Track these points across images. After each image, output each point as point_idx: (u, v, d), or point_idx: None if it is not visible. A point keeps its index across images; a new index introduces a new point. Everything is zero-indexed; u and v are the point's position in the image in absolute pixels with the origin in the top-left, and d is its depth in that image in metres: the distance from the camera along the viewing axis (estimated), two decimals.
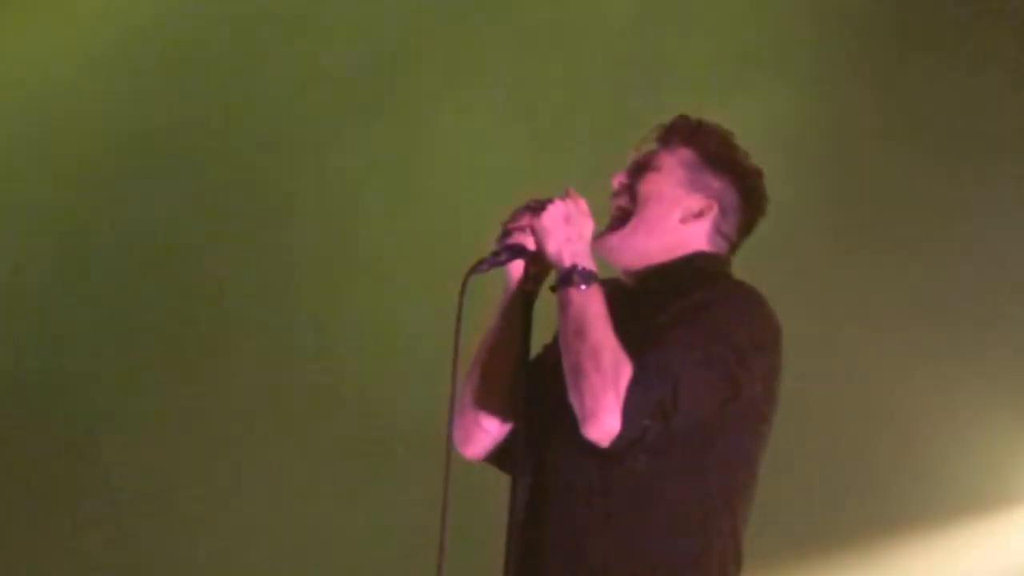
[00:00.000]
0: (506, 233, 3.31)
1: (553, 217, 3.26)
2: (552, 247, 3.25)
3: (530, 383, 3.29)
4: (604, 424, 3.12)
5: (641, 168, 3.44)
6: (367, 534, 5.97)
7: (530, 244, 3.28)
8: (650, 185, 3.42)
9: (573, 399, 3.15)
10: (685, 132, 3.45)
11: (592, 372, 3.12)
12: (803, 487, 5.52)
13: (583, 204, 3.32)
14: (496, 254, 3.29)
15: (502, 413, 3.35)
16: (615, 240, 3.41)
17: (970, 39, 5.70)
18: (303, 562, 6.00)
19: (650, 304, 3.29)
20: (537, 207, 3.29)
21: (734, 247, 3.47)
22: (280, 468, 6.00)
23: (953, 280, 5.63)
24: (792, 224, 5.33)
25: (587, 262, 3.24)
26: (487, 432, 3.37)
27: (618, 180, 3.45)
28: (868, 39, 5.78)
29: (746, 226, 3.47)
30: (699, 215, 3.40)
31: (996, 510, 5.63)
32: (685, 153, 3.44)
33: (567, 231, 3.25)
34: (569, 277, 3.21)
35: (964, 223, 5.64)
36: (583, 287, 3.20)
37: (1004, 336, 5.62)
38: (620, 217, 3.42)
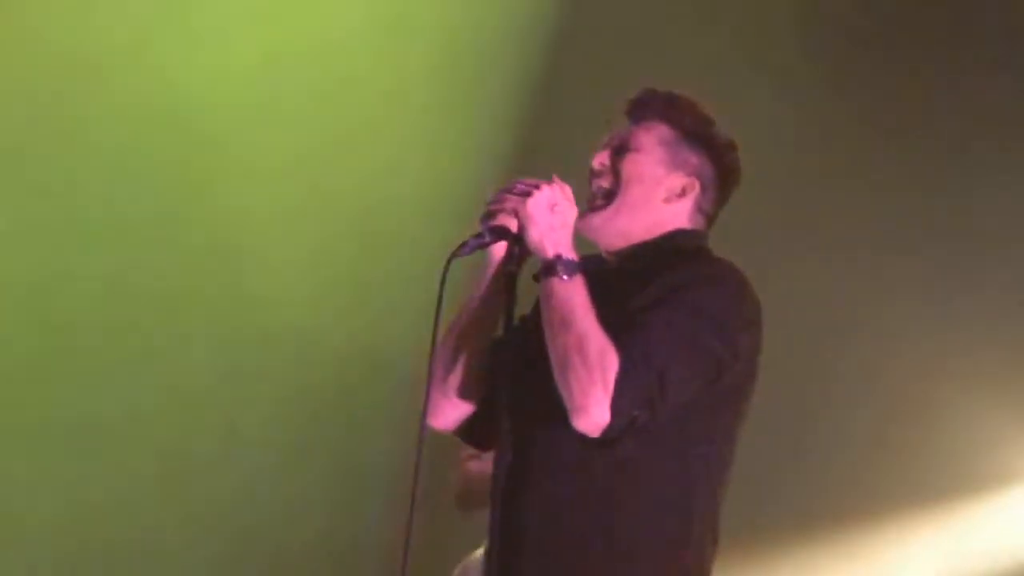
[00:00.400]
0: (489, 214, 3.31)
1: (538, 205, 3.26)
2: (535, 235, 3.25)
3: (508, 356, 3.29)
4: (593, 417, 3.13)
5: (621, 149, 3.43)
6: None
7: (513, 226, 3.29)
8: (632, 166, 3.41)
9: (561, 390, 3.16)
10: (657, 107, 3.45)
11: (579, 365, 3.13)
12: (805, 468, 5.53)
13: (568, 191, 3.33)
14: (479, 236, 3.29)
15: (472, 388, 3.37)
16: (598, 221, 3.40)
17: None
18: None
19: (631, 284, 3.30)
20: (522, 191, 3.29)
21: (711, 221, 3.47)
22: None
23: (955, 272, 5.63)
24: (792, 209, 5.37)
25: (570, 251, 3.24)
26: (455, 405, 3.38)
27: (599, 161, 3.44)
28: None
29: (722, 199, 3.47)
30: (682, 194, 3.41)
31: (995, 490, 5.64)
32: (662, 130, 3.43)
33: (550, 220, 3.26)
34: (552, 267, 3.22)
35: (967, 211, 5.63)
36: (566, 277, 3.21)
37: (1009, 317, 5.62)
38: (603, 196, 3.42)
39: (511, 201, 3.29)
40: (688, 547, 3.25)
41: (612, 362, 3.12)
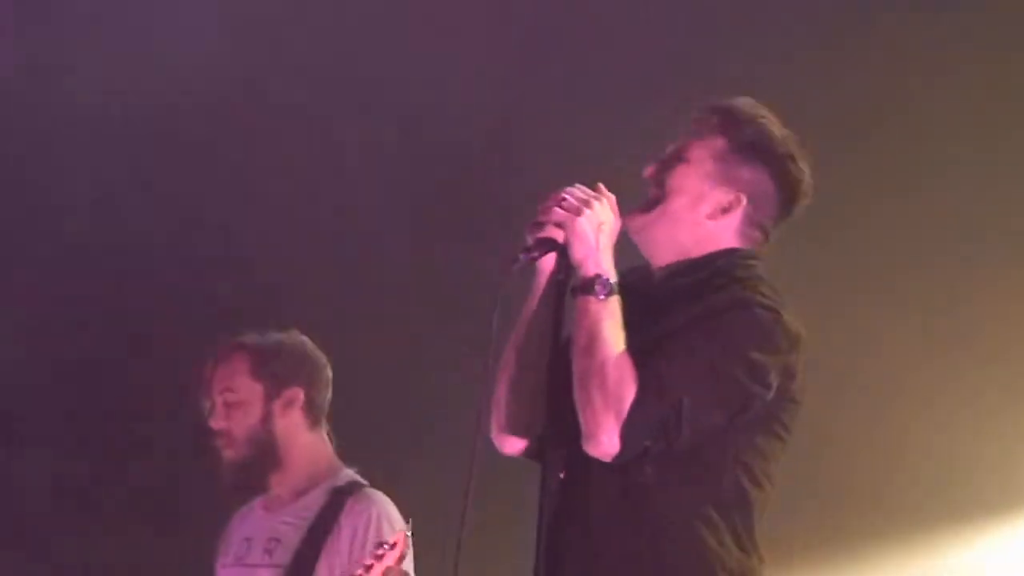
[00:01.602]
0: (537, 226, 3.27)
1: (587, 224, 3.22)
2: (579, 253, 3.23)
3: (562, 373, 3.25)
4: (603, 445, 3.12)
5: (671, 159, 3.40)
6: None
7: (560, 238, 3.25)
8: (677, 178, 3.38)
9: (578, 411, 3.15)
10: (718, 120, 3.40)
11: (596, 391, 3.12)
12: (818, 484, 5.51)
13: (613, 202, 3.30)
14: (529, 250, 3.26)
15: (537, 406, 3.29)
16: (637, 223, 3.37)
17: None
18: None
19: (668, 306, 3.27)
20: (572, 207, 3.24)
21: (769, 235, 3.42)
22: None
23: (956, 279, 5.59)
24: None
25: (610, 272, 3.21)
26: (523, 426, 3.33)
27: (649, 171, 3.42)
28: None
29: (784, 212, 3.42)
30: (727, 210, 3.36)
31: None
32: (717, 143, 3.38)
33: (597, 239, 3.22)
34: (590, 285, 3.20)
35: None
36: (602, 297, 3.18)
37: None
38: (648, 205, 3.39)
39: (558, 215, 3.25)
40: (721, 564, 3.21)
41: (629, 392, 3.10)
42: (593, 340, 3.14)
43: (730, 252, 3.36)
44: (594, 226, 3.22)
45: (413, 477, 4.90)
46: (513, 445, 3.38)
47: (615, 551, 3.20)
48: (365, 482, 4.45)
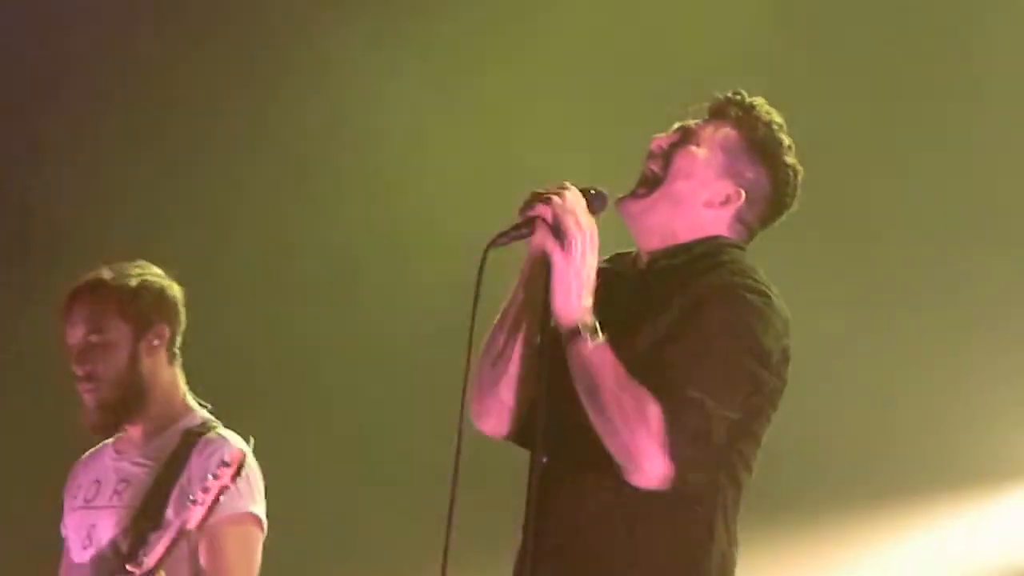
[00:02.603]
0: (528, 204, 3.21)
1: (575, 258, 3.14)
2: (559, 301, 3.15)
3: (551, 355, 3.20)
4: (650, 471, 3.08)
5: (684, 139, 3.37)
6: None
7: (550, 217, 3.19)
8: (685, 160, 3.35)
9: (612, 451, 3.10)
10: (736, 111, 3.39)
11: (618, 420, 3.07)
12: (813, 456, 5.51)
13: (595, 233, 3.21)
14: (517, 227, 3.21)
15: (523, 385, 3.28)
16: (637, 208, 3.34)
17: None
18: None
19: (655, 294, 3.25)
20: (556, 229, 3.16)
21: (752, 235, 3.42)
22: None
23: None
24: None
25: (588, 316, 3.14)
26: (505, 406, 3.30)
27: (658, 144, 3.39)
28: None
29: (770, 218, 3.42)
30: (725, 203, 3.35)
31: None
32: (729, 134, 3.38)
33: (576, 285, 3.14)
34: (576, 334, 3.13)
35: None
36: (589, 345, 3.12)
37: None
38: (648, 181, 3.36)
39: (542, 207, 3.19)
40: (711, 557, 3.20)
41: (654, 411, 3.06)
42: (594, 382, 3.10)
43: (716, 238, 3.35)
44: (574, 272, 3.14)
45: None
46: (492, 425, 3.34)
47: (602, 534, 3.18)
48: (218, 422, 4.36)
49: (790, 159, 3.40)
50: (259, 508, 4.21)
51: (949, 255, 5.61)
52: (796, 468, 5.33)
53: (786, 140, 3.40)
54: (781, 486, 4.99)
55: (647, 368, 3.10)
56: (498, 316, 3.31)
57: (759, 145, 3.37)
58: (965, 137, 5.63)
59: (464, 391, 3.21)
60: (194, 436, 4.29)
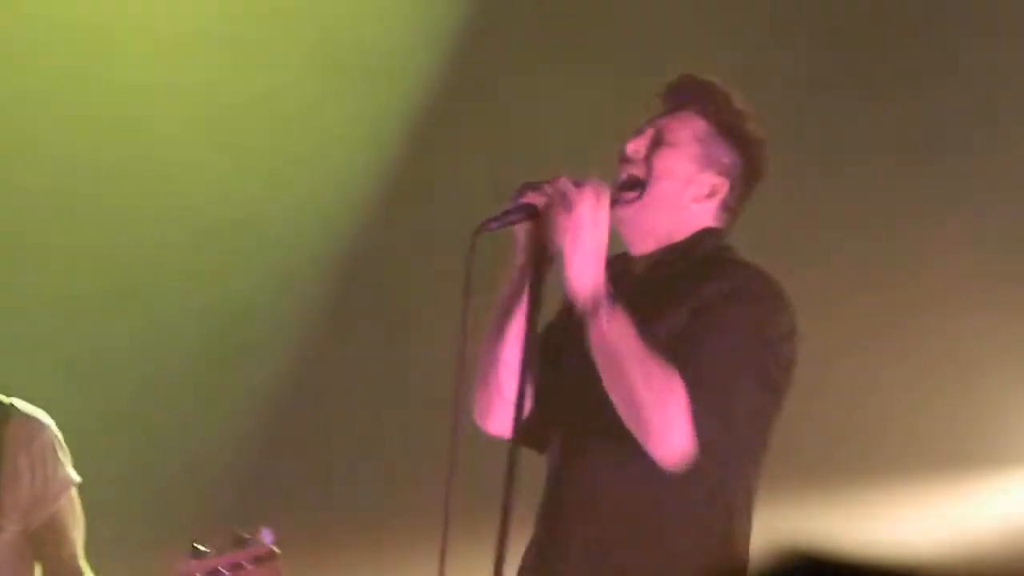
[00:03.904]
0: (521, 191, 3.20)
1: (575, 242, 3.14)
2: (574, 278, 3.15)
3: (548, 349, 3.24)
4: (673, 444, 3.08)
5: (657, 139, 3.36)
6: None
7: (541, 204, 3.17)
8: (666, 161, 3.35)
9: (633, 425, 3.10)
10: (693, 96, 3.38)
11: (645, 393, 3.07)
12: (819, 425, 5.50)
13: (606, 199, 3.20)
14: (507, 212, 3.19)
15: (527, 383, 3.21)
16: (629, 212, 3.32)
17: None
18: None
19: (667, 293, 3.25)
20: (565, 203, 3.15)
21: (736, 217, 3.43)
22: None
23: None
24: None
25: (604, 289, 3.15)
26: (510, 403, 3.21)
27: (633, 148, 3.36)
28: None
29: (747, 195, 3.43)
30: (711, 194, 3.35)
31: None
32: (697, 124, 3.36)
33: (588, 259, 3.14)
34: (595, 308, 3.14)
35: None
36: (607, 320, 3.12)
37: None
38: (631, 184, 3.33)
39: (538, 196, 3.18)
40: (728, 545, 3.22)
41: (679, 387, 3.08)
42: (618, 355, 3.10)
43: (713, 231, 3.36)
44: (593, 252, 3.15)
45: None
46: (498, 425, 3.30)
47: (623, 531, 3.19)
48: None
49: (753, 129, 3.40)
50: None
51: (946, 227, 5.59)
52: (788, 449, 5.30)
53: (744, 108, 3.40)
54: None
55: (668, 345, 3.12)
56: (496, 310, 3.28)
57: (728, 128, 3.36)
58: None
59: (457, 392, 3.13)
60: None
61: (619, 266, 3.30)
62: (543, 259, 3.19)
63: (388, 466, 5.90)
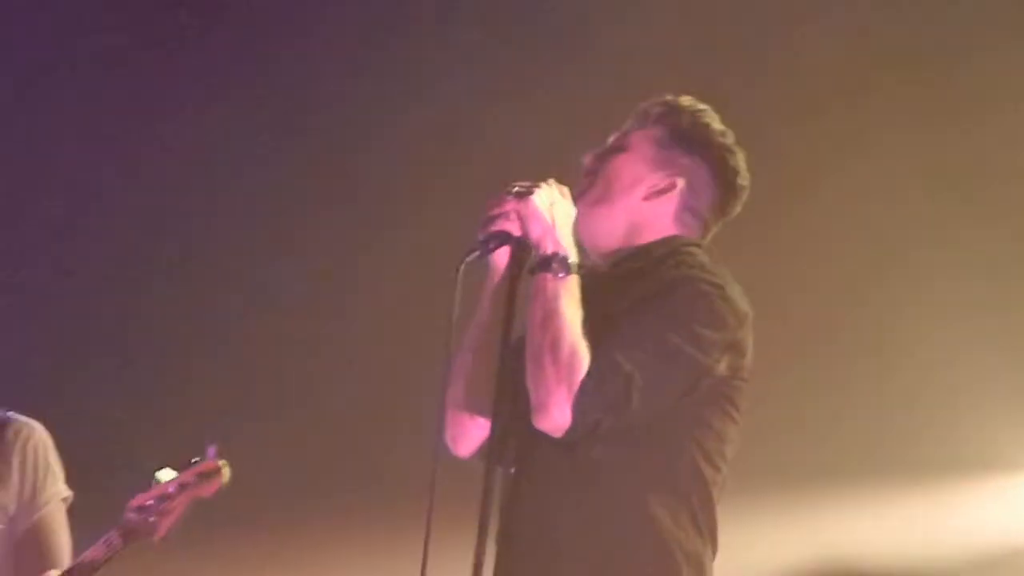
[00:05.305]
0: (489, 220, 3.28)
1: (539, 203, 3.24)
2: (536, 232, 3.23)
3: (515, 370, 3.24)
4: (554, 417, 3.12)
5: (611, 149, 3.44)
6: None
7: (515, 230, 3.26)
8: (615, 164, 3.42)
9: (530, 388, 3.15)
10: (659, 110, 3.45)
11: (549, 365, 3.12)
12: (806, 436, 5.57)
13: (566, 190, 3.32)
14: (484, 242, 3.27)
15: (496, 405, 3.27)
16: (579, 214, 3.34)
17: None
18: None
19: (615, 291, 3.29)
20: (522, 192, 3.27)
21: (708, 227, 3.45)
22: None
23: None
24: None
25: (569, 251, 3.22)
26: (482, 427, 3.31)
27: (586, 159, 3.45)
28: None
29: (721, 205, 3.45)
30: (663, 191, 3.39)
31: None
32: (656, 131, 3.43)
33: (552, 217, 3.24)
34: (548, 263, 3.20)
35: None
36: (560, 275, 3.19)
37: None
38: (581, 190, 3.40)
39: (510, 204, 3.27)
40: (679, 545, 3.22)
41: (581, 367, 3.11)
42: (549, 316, 3.15)
43: (672, 239, 3.38)
44: (547, 205, 3.24)
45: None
46: (467, 447, 3.37)
47: (568, 535, 3.20)
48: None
49: (723, 139, 3.43)
50: None
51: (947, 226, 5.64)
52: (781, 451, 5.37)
53: (715, 123, 3.44)
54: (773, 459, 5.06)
55: (596, 335, 3.15)
56: (466, 335, 3.35)
57: (687, 132, 3.41)
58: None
59: (440, 411, 3.27)
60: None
61: (586, 270, 3.33)
62: (518, 278, 3.28)
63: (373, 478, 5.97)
